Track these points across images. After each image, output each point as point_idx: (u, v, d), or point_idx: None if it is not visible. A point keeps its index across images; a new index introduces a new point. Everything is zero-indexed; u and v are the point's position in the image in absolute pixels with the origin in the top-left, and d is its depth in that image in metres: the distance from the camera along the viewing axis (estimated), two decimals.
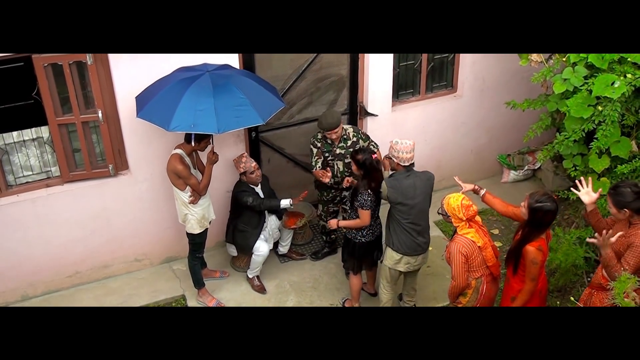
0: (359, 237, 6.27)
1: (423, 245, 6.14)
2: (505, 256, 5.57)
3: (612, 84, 5.63)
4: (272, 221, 6.92)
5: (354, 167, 6.20)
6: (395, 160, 5.97)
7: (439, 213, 5.62)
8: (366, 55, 7.17)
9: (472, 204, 5.37)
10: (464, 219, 5.33)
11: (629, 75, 5.66)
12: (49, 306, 6.45)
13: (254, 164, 6.58)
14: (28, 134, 6.32)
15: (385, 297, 6.37)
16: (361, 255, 6.38)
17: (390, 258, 6.14)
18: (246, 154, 6.75)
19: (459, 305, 5.56)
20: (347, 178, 6.61)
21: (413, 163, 5.99)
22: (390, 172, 6.12)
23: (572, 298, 5.15)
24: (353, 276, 6.53)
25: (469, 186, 5.75)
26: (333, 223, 6.35)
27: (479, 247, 5.32)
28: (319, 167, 6.73)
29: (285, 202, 6.68)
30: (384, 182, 5.97)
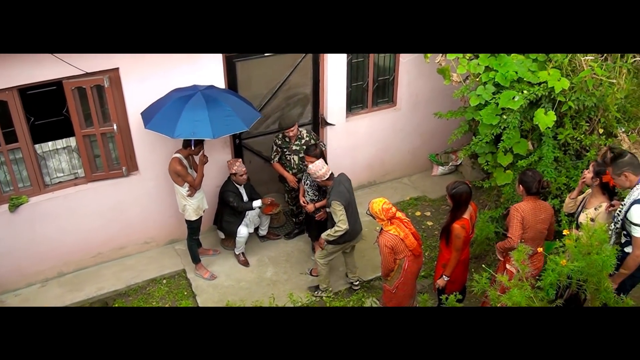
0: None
1: (359, 229, 6.28)
2: (439, 232, 5.63)
3: (513, 98, 5.77)
4: (252, 211, 6.90)
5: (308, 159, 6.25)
6: (320, 180, 6.03)
7: (367, 214, 5.60)
8: (325, 77, 7.17)
9: (392, 207, 5.42)
10: (385, 219, 5.40)
11: (525, 92, 5.81)
12: (47, 306, 6.29)
13: (244, 169, 6.57)
14: (60, 143, 6.33)
15: (325, 271, 6.45)
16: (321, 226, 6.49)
17: (333, 248, 6.25)
18: (240, 160, 6.68)
19: (388, 279, 5.67)
20: (302, 200, 6.57)
21: (332, 173, 6.06)
22: (325, 188, 6.19)
23: (483, 265, 5.11)
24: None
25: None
26: (310, 207, 6.43)
27: (400, 238, 5.40)
28: (276, 160, 6.82)
29: (256, 203, 6.71)
30: (332, 200, 5.91)
